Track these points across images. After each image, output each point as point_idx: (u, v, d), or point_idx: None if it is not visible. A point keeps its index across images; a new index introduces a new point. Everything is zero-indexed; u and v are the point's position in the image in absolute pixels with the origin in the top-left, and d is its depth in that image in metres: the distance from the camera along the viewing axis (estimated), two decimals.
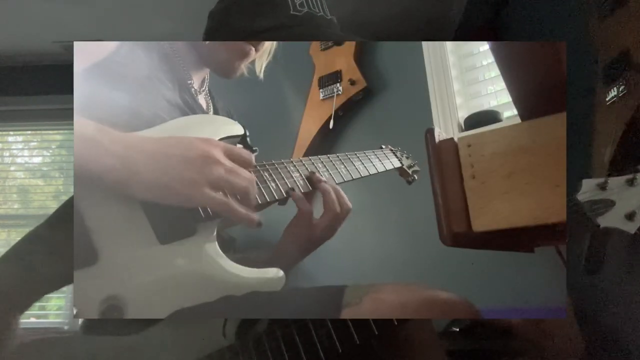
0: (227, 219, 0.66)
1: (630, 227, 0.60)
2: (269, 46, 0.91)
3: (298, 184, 0.78)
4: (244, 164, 0.65)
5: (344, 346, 0.56)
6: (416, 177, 1.21)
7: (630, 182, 0.61)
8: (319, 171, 0.83)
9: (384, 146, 1.17)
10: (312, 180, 0.80)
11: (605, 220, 0.61)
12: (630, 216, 0.61)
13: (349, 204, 0.80)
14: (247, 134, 0.77)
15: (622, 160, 0.87)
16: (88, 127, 0.57)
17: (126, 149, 0.58)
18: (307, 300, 0.64)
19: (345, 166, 0.90)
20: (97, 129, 0.58)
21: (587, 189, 0.61)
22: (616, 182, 0.61)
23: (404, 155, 1.22)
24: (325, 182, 0.80)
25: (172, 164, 0.59)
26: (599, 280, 1.05)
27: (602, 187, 0.62)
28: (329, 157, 0.88)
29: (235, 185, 0.62)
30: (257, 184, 0.72)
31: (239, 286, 0.62)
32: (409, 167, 1.20)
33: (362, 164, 0.96)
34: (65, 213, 0.67)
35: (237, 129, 0.76)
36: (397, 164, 1.14)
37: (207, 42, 0.83)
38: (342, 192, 0.81)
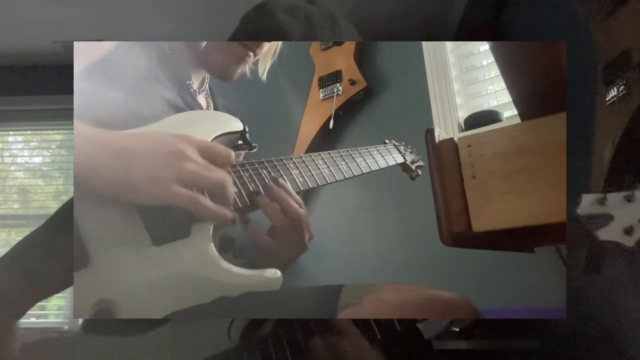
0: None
1: (629, 241, 0.63)
2: (272, 48, 0.89)
3: (297, 181, 0.77)
4: (222, 162, 0.62)
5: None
6: (420, 173, 1.18)
7: (629, 198, 0.64)
8: (319, 168, 0.81)
9: (387, 141, 1.14)
10: (254, 195, 0.69)
11: (604, 234, 0.63)
12: (628, 231, 0.63)
13: (299, 211, 0.70)
14: (247, 129, 0.76)
15: (622, 161, 0.87)
16: (83, 128, 0.56)
17: (93, 145, 0.55)
18: (303, 300, 0.64)
19: (346, 162, 0.88)
20: (90, 129, 0.56)
21: (587, 204, 0.64)
22: (614, 197, 0.65)
23: (408, 150, 1.19)
24: (263, 194, 0.69)
25: (138, 160, 0.56)
26: (598, 280, 1.05)
27: (601, 202, 0.64)
28: (329, 154, 0.86)
29: (208, 180, 0.59)
30: (255, 182, 0.71)
31: (236, 287, 0.62)
32: (412, 162, 1.17)
33: (364, 160, 0.94)
34: (64, 215, 0.66)
35: (236, 125, 0.75)
36: (400, 160, 1.12)
37: (204, 45, 0.82)
38: (289, 200, 0.70)
